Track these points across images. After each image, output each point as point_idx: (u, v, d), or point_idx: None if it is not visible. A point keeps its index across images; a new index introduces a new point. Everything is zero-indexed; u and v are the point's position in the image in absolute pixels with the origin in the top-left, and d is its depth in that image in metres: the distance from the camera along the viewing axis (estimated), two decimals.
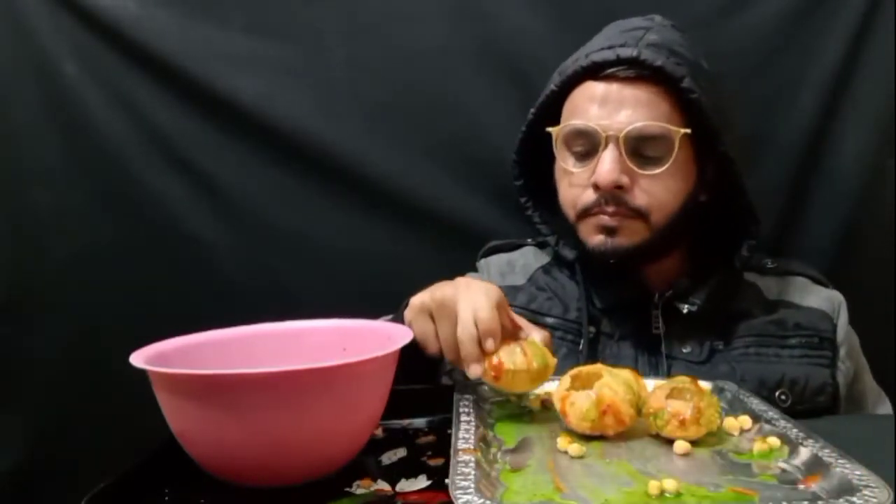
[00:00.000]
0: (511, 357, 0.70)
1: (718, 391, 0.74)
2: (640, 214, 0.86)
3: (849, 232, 1.14)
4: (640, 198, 0.85)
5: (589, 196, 0.87)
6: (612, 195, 0.85)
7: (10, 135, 1.20)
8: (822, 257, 1.11)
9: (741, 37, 1.13)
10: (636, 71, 0.84)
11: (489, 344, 0.70)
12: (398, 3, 1.18)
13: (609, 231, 0.87)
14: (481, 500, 0.48)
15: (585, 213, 0.88)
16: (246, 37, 1.18)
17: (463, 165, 1.18)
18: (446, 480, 0.52)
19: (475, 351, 0.70)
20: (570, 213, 0.90)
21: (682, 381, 0.66)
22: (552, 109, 0.92)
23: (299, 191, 1.20)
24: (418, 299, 0.76)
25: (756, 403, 0.69)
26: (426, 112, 1.18)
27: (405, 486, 0.59)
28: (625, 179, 0.84)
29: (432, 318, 0.74)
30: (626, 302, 0.93)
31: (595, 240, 0.88)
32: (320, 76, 1.18)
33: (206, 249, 1.21)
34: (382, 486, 0.60)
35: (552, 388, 0.70)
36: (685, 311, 0.89)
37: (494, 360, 0.70)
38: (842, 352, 0.92)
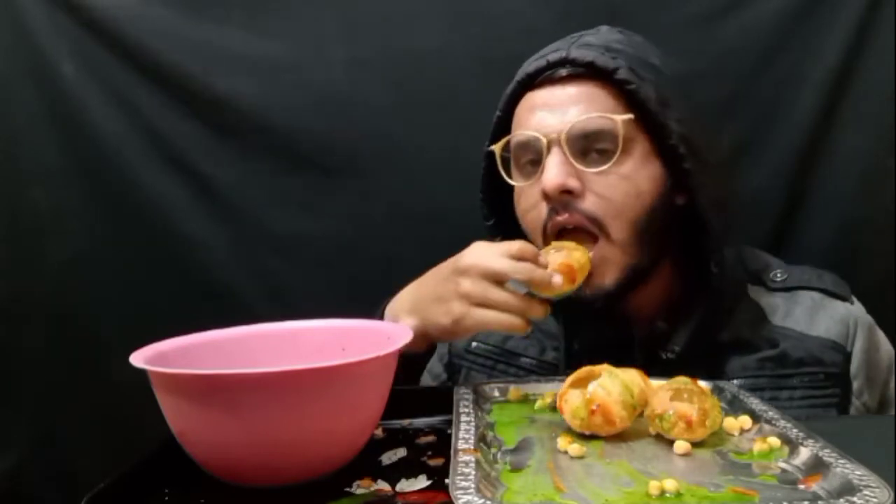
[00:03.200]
0: (568, 257, 0.75)
1: (718, 391, 0.74)
2: (597, 224, 0.79)
3: (849, 232, 1.14)
4: (592, 202, 0.79)
5: (543, 212, 0.81)
6: (563, 203, 0.79)
7: (9, 135, 1.20)
8: (822, 257, 1.11)
9: (741, 36, 1.13)
10: (568, 69, 0.81)
11: (543, 259, 0.73)
12: (398, 3, 1.18)
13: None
14: (481, 500, 0.48)
15: (544, 232, 0.82)
16: (245, 37, 1.19)
17: (463, 166, 1.18)
18: (446, 480, 0.52)
19: (540, 272, 0.72)
20: (534, 239, 0.84)
21: (682, 381, 0.65)
22: (505, 136, 0.87)
23: (298, 191, 1.21)
24: (410, 295, 0.77)
25: (756, 403, 0.69)
26: (426, 112, 1.18)
27: (405, 486, 0.59)
28: (573, 182, 0.78)
29: (479, 305, 0.73)
30: (606, 341, 0.86)
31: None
32: (320, 76, 1.18)
33: (204, 249, 1.21)
34: (382, 486, 0.59)
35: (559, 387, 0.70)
36: (664, 357, 0.83)
37: (557, 264, 0.74)
38: (855, 385, 0.84)
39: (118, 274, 1.22)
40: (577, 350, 0.88)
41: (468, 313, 0.74)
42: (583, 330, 0.89)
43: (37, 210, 1.21)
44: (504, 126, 0.88)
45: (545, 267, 0.73)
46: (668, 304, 0.87)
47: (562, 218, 0.80)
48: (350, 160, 1.19)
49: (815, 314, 0.87)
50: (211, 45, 1.18)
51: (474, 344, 0.88)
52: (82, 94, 1.19)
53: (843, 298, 0.88)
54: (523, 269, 0.72)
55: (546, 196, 0.80)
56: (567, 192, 0.79)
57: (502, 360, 0.89)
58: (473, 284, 0.73)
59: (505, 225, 0.91)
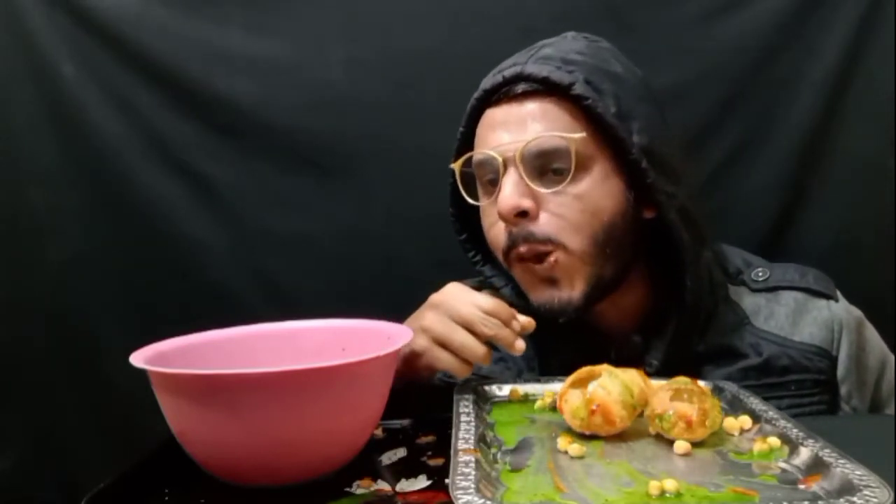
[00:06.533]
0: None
1: (718, 391, 0.74)
2: (553, 243, 0.77)
3: (849, 232, 1.14)
4: (546, 225, 0.77)
5: (503, 234, 0.80)
6: (520, 227, 0.78)
7: (9, 136, 1.20)
8: (821, 257, 1.11)
9: (741, 35, 1.13)
10: (524, 86, 0.78)
11: (520, 320, 0.73)
12: (398, 3, 1.18)
13: (551, 283, 0.79)
14: (482, 501, 0.48)
15: (507, 257, 0.81)
16: (245, 37, 1.18)
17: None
18: (446, 480, 0.52)
19: (506, 332, 0.72)
20: (498, 256, 0.83)
21: (682, 381, 0.66)
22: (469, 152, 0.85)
23: (297, 191, 1.20)
24: (418, 343, 0.75)
25: (756, 403, 0.69)
26: (426, 112, 1.18)
27: (405, 486, 0.59)
28: (527, 203, 0.77)
29: (438, 343, 0.73)
30: (581, 359, 0.78)
31: (541, 297, 0.80)
32: (320, 76, 1.18)
33: (204, 250, 1.21)
34: (382, 486, 0.60)
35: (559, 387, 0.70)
36: (644, 372, 0.79)
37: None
38: (843, 390, 0.83)
39: (118, 274, 1.22)
40: (553, 370, 0.86)
41: (428, 349, 0.74)
42: (557, 349, 0.87)
43: (36, 210, 1.21)
44: (467, 141, 0.86)
45: (515, 329, 0.73)
46: (644, 317, 0.85)
47: (523, 249, 0.78)
48: (350, 160, 1.19)
49: (798, 317, 0.85)
50: (211, 45, 1.18)
51: None
52: (82, 95, 1.18)
53: (827, 297, 0.86)
54: (491, 325, 0.71)
55: (502, 217, 0.78)
56: (522, 213, 0.77)
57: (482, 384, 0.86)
58: (437, 320, 0.73)
59: (477, 239, 0.90)
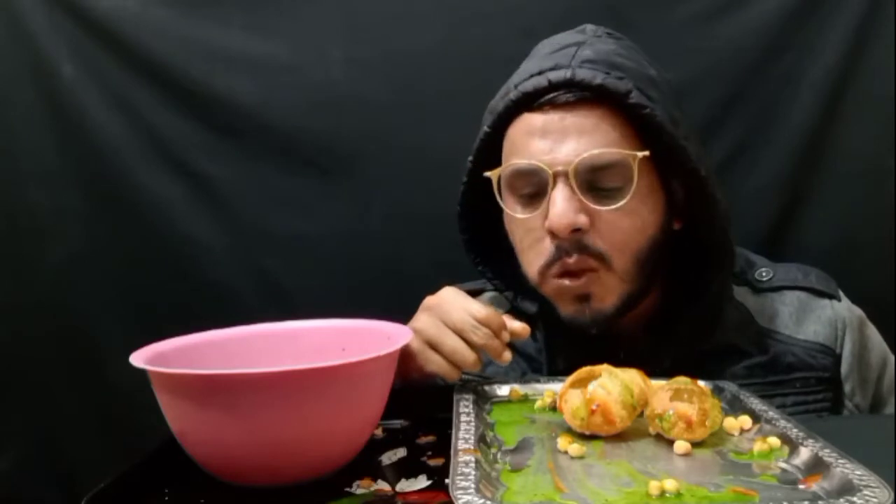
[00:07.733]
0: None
1: (718, 391, 0.74)
2: (602, 259, 0.75)
3: (849, 232, 1.14)
4: (599, 240, 0.75)
5: (548, 249, 0.76)
6: (572, 241, 0.75)
7: (8, 136, 1.20)
8: (821, 257, 1.11)
9: (741, 35, 1.13)
10: (575, 94, 0.74)
11: (512, 327, 0.72)
12: (398, 3, 1.18)
13: (583, 298, 0.77)
14: (482, 500, 0.48)
15: (547, 270, 0.77)
16: (245, 37, 1.19)
17: (463, 166, 1.18)
18: (446, 480, 0.52)
19: (495, 343, 0.72)
20: (531, 273, 0.80)
21: (682, 381, 0.66)
22: (491, 153, 0.82)
23: (297, 191, 1.21)
24: (411, 344, 0.74)
25: (756, 403, 0.69)
26: (426, 112, 1.18)
27: (405, 486, 0.59)
28: (582, 219, 0.73)
29: (429, 345, 0.74)
30: (591, 358, 0.75)
31: (570, 310, 0.79)
32: (320, 76, 1.18)
33: (204, 250, 1.21)
34: (382, 486, 0.59)
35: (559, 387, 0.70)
36: (653, 372, 0.80)
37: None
38: (847, 387, 0.83)
39: (118, 274, 1.22)
40: (559, 370, 0.85)
41: (420, 351, 0.74)
42: (564, 350, 0.86)
43: (36, 210, 1.21)
44: (492, 144, 0.82)
45: (504, 340, 0.73)
46: (653, 318, 0.85)
47: (571, 260, 0.75)
48: (350, 160, 1.19)
49: (802, 316, 0.85)
50: (211, 45, 1.18)
51: None
52: (82, 95, 1.19)
53: (830, 296, 0.87)
54: (481, 335, 0.71)
55: (553, 234, 0.75)
56: (576, 230, 0.74)
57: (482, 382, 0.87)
58: (430, 323, 0.74)
59: (479, 241, 0.90)
